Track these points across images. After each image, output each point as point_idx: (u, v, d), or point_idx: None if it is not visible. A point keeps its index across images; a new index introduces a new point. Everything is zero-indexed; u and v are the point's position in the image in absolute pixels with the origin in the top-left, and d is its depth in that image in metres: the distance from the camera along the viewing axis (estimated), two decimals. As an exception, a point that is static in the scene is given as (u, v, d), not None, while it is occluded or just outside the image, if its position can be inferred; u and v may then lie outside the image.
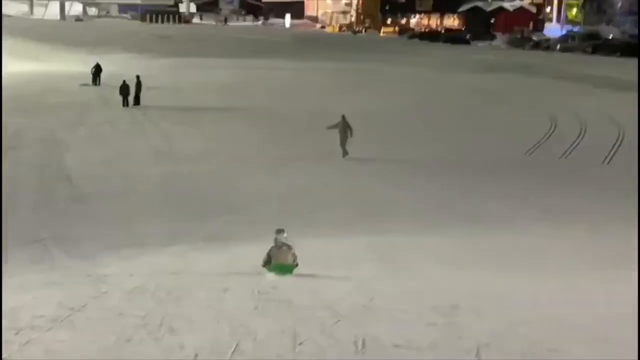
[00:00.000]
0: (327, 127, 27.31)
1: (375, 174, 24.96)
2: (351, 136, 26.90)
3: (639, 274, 13.53)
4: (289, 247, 12.53)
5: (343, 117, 27.32)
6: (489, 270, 14.85)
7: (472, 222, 19.68)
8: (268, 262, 12.65)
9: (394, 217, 19.94)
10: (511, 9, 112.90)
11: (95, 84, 43.86)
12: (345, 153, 26.76)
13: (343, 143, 26.87)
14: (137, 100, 37.10)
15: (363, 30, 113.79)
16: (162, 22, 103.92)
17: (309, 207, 20.78)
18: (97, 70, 44.63)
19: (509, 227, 19.21)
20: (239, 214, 19.90)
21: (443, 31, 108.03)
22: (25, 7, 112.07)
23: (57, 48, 65.39)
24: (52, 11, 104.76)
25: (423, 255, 16.35)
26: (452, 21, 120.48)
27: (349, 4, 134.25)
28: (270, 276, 12.53)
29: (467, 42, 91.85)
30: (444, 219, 19.92)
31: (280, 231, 12.54)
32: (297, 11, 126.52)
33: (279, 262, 12.56)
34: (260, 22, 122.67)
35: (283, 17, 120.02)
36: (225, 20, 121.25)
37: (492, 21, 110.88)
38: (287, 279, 12.91)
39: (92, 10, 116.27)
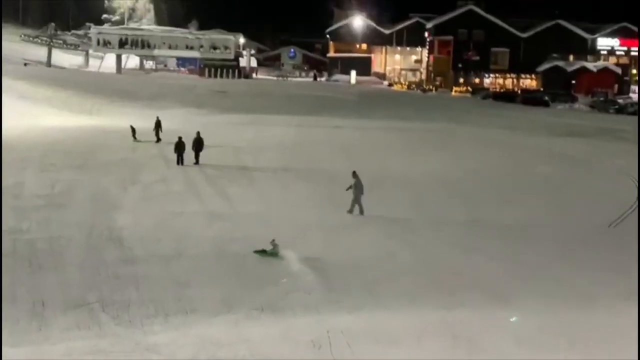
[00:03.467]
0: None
1: (445, 240, 24.72)
2: (362, 193, 27.80)
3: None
4: (277, 245, 21.96)
5: (354, 173, 28.21)
6: (570, 354, 14.45)
7: (552, 297, 19.30)
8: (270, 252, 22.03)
9: (466, 289, 19.64)
10: (594, 69, 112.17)
11: (158, 140, 44.21)
12: (351, 210, 27.83)
13: (355, 201, 27.77)
14: (197, 159, 37.37)
15: (433, 89, 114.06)
16: (222, 76, 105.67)
17: (372, 276, 20.59)
18: (157, 125, 45.07)
19: (592, 305, 18.76)
20: (295, 283, 19.81)
21: (520, 92, 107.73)
22: (80, 59, 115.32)
23: (112, 102, 66.86)
24: (108, 64, 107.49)
25: (498, 334, 16.00)
26: (529, 81, 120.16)
27: (419, 61, 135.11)
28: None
29: (546, 104, 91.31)
30: (521, 293, 19.55)
31: (273, 240, 22.04)
32: (364, 67, 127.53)
33: (273, 251, 21.88)
34: (323, 78, 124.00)
35: (348, 73, 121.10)
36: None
37: (573, 82, 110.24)
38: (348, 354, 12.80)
39: (150, 63, 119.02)
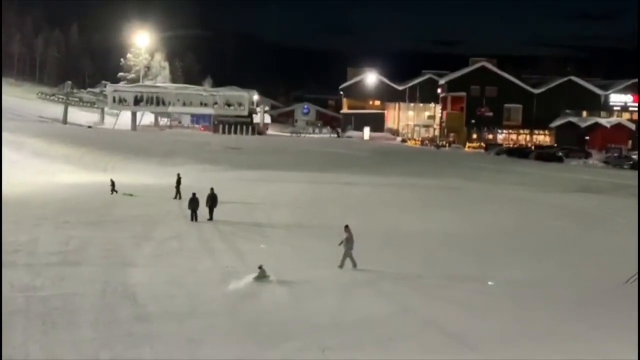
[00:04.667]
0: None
1: (458, 298, 24.59)
2: (351, 249, 28.00)
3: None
4: (265, 271, 25.21)
5: (346, 227, 28.54)
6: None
7: (567, 358, 19.11)
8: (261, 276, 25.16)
9: (480, 349, 19.51)
10: (608, 125, 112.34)
11: (177, 198, 44.47)
12: (342, 265, 27.97)
13: (346, 255, 27.99)
14: (210, 215, 37.57)
15: (447, 145, 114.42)
16: (235, 133, 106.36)
17: (385, 334, 20.49)
18: (178, 182, 45.37)
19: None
20: (309, 340, 19.71)
21: (533, 147, 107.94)
22: (95, 117, 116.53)
23: (126, 158, 67.36)
24: (123, 121, 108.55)
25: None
26: (543, 137, 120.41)
27: (432, 117, 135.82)
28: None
29: (559, 160, 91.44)
30: (536, 354, 19.39)
31: (260, 266, 25.34)
32: (377, 123, 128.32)
33: (263, 276, 25.21)
34: (336, 135, 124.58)
35: (361, 129, 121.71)
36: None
37: (586, 138, 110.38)
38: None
39: (164, 120, 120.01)
